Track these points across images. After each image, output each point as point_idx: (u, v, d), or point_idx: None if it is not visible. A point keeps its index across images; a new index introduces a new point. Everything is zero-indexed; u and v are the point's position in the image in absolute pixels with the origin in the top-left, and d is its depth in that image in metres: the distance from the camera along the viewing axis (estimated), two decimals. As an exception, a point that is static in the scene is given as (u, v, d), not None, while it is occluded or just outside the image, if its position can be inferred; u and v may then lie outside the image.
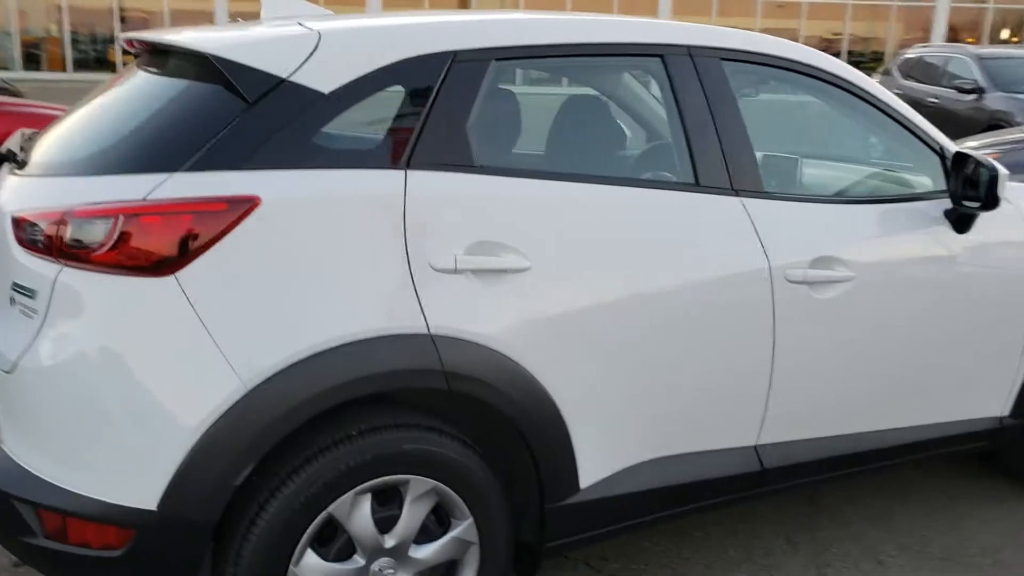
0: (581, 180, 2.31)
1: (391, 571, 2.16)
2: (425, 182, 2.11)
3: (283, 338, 1.94)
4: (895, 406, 2.88)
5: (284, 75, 2.07)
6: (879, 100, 2.81)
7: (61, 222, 1.92)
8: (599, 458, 2.38)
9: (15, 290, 2.05)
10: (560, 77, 2.84)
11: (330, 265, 2.00)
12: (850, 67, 2.81)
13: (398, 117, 2.16)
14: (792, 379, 2.61)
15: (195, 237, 1.90)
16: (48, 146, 2.23)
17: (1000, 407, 3.12)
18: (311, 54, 2.11)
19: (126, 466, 1.92)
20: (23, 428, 2.03)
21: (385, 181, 2.08)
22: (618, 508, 2.44)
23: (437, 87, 2.19)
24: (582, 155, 2.57)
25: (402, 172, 2.10)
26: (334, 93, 2.09)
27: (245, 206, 1.94)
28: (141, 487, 1.91)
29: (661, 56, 2.50)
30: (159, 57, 2.33)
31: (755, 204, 2.52)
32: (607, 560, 2.86)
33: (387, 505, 2.14)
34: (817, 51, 2.78)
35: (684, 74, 2.51)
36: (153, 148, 1.99)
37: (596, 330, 2.29)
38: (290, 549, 2.01)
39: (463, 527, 2.23)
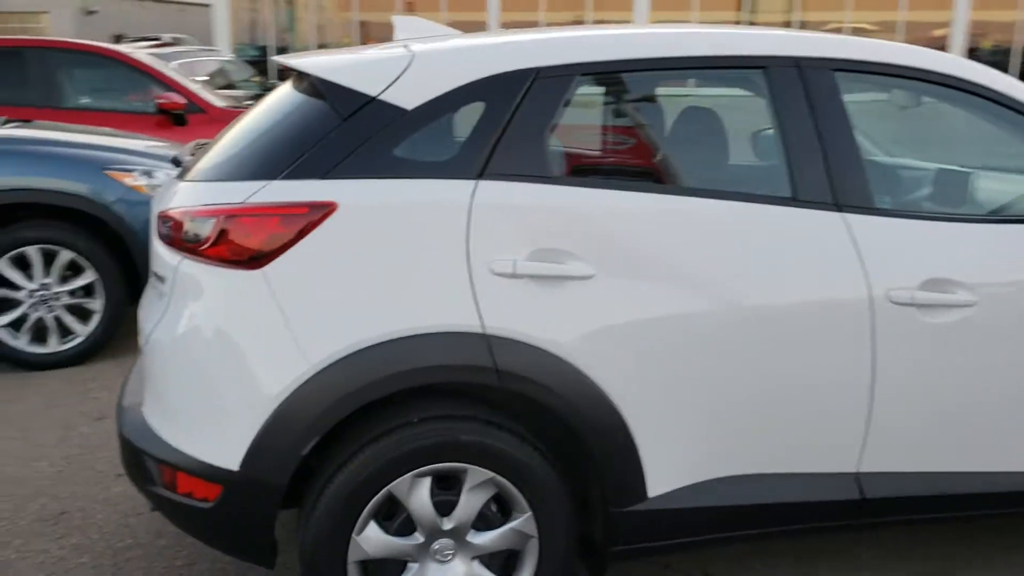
0: (658, 191, 2.35)
1: (451, 552, 2.32)
2: (494, 191, 2.25)
3: (347, 329, 2.16)
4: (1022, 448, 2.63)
5: (374, 94, 2.30)
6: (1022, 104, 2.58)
7: (182, 219, 2.26)
8: (670, 469, 2.40)
9: (154, 276, 2.44)
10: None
11: (395, 265, 2.19)
12: (985, 68, 2.60)
13: (477, 130, 2.31)
14: (898, 405, 2.48)
15: (280, 236, 2.17)
16: (203, 154, 2.60)
17: None
18: (401, 74, 2.32)
19: (218, 430, 2.22)
20: (152, 393, 2.40)
21: (453, 190, 2.24)
22: (692, 520, 2.45)
23: (517, 102, 2.32)
24: (667, 166, 2.59)
25: (473, 182, 2.26)
26: (417, 109, 2.29)
27: (323, 210, 2.18)
28: (228, 449, 2.20)
29: (764, 68, 2.47)
30: (294, 78, 2.64)
31: (860, 220, 2.42)
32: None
33: (448, 490, 2.30)
34: (948, 55, 2.60)
35: (788, 86, 2.46)
36: (263, 158, 2.29)
37: (664, 342, 2.31)
38: (352, 519, 2.23)
39: (522, 520, 2.34)
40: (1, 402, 4.36)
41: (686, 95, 2.76)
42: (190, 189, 2.37)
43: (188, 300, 2.27)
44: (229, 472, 2.21)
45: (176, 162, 2.83)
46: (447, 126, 2.34)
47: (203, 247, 2.22)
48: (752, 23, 27.62)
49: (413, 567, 2.32)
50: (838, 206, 2.43)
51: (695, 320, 2.33)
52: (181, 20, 45.10)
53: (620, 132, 2.67)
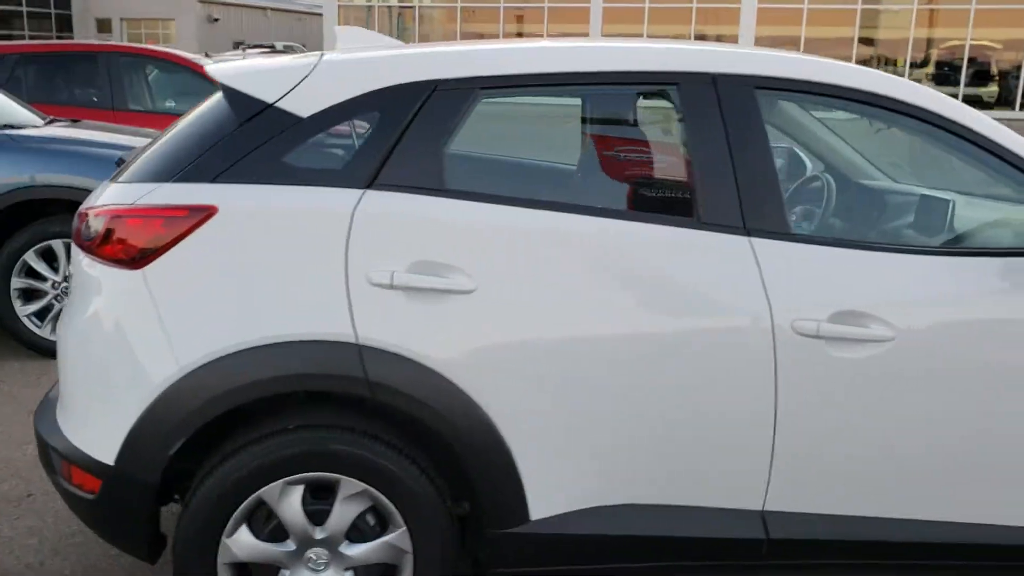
0: (549, 208, 2.29)
1: (324, 562, 2.31)
2: (379, 202, 2.24)
3: (216, 333, 2.19)
4: (949, 495, 2.44)
5: (270, 101, 2.32)
6: (971, 131, 2.42)
7: (85, 218, 2.34)
8: (555, 492, 2.34)
9: (71, 271, 2.52)
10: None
11: (271, 271, 2.20)
12: (932, 93, 2.44)
13: (370, 141, 2.31)
14: (804, 443, 2.35)
15: (161, 238, 2.21)
16: (136, 156, 2.68)
17: None
18: (299, 83, 2.33)
19: (99, 425, 2.28)
20: (60, 387, 2.48)
21: (336, 198, 2.24)
22: (580, 547, 2.37)
23: (413, 114, 2.31)
24: (563, 182, 2.53)
25: (360, 192, 2.25)
26: (311, 118, 2.30)
27: (202, 214, 2.21)
28: (107, 444, 2.26)
29: (677, 84, 2.39)
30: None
31: (769, 246, 2.31)
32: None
33: (322, 500, 2.30)
34: (878, 73, 2.46)
35: (701, 103, 2.37)
36: (165, 161, 2.34)
37: (548, 363, 2.26)
38: (221, 521, 2.25)
39: (396, 534, 2.32)
40: (20, 386, 4.59)
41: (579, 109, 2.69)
42: (106, 190, 2.44)
43: (83, 296, 2.34)
44: (107, 466, 2.26)
45: (120, 163, 2.92)
46: (342, 135, 2.35)
47: (95, 246, 2.28)
48: (871, 40, 26.96)
49: (285, 574, 2.33)
50: (746, 230, 2.32)
51: (581, 342, 2.26)
52: (300, 29, 46.69)
53: (519, 147, 2.62)
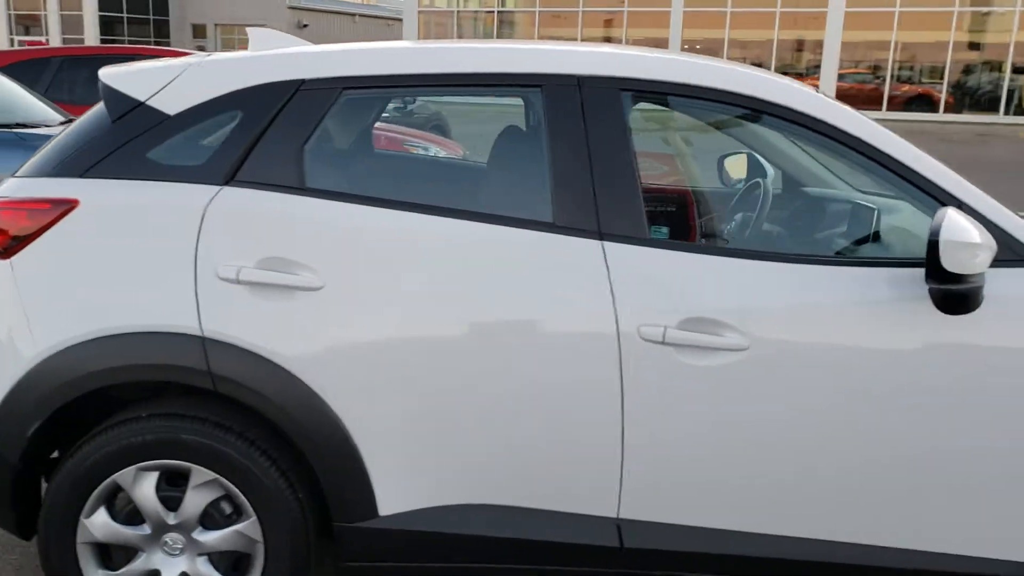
0: (403, 209, 2.31)
1: (179, 547, 2.38)
2: (233, 198, 2.30)
3: (72, 321, 2.28)
4: (812, 512, 2.35)
5: (142, 99, 2.40)
6: (849, 135, 2.34)
7: None
8: (404, 489, 2.36)
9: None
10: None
11: (125, 263, 2.28)
12: (810, 95, 2.37)
13: (231, 138, 2.37)
14: (656, 450, 2.31)
15: (26, 229, 2.32)
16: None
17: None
18: (171, 81, 2.41)
19: (-26, 404, 2.40)
20: None
21: (192, 194, 2.31)
22: (432, 544, 2.38)
23: (276, 113, 2.36)
24: (423, 183, 2.53)
25: (217, 188, 2.32)
26: (178, 115, 2.38)
27: (64, 207, 2.31)
28: None
29: (540, 86, 2.38)
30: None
31: (621, 250, 2.28)
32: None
33: (176, 486, 2.37)
34: (765, 77, 2.40)
35: (564, 106, 2.36)
36: (49, 156, 2.45)
37: (394, 362, 2.28)
38: (79, 502, 2.34)
39: (246, 524, 2.37)
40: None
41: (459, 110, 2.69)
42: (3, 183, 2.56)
43: None
44: None
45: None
46: (206, 133, 2.42)
47: None
48: (972, 43, 26.04)
49: (142, 556, 2.40)
50: (600, 234, 2.30)
51: (428, 343, 2.28)
52: (388, 34, 47.46)
53: (382, 146, 2.64)
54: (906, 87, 26.99)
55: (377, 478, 2.34)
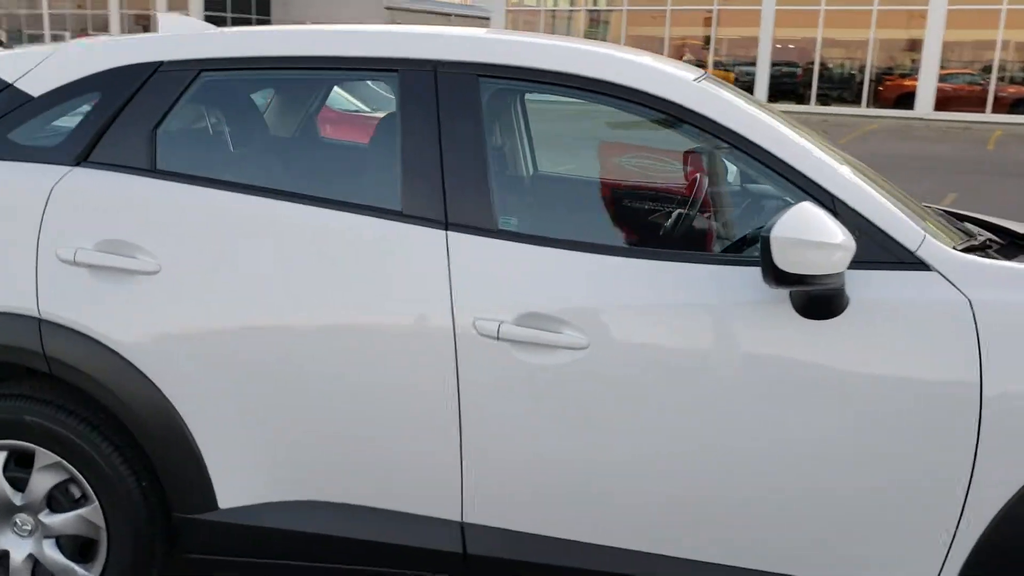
0: (248, 192, 2.26)
1: (28, 528, 2.39)
2: (80, 179, 2.29)
3: None
4: (661, 525, 2.20)
5: (10, 80, 2.42)
6: (711, 122, 2.18)
7: None
8: (245, 483, 2.31)
9: None
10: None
11: None
12: (672, 76, 2.23)
13: (87, 120, 2.36)
14: (498, 451, 2.20)
15: None
16: None
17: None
18: (39, 63, 2.42)
19: None
20: None
21: (40, 174, 2.31)
22: (273, 541, 2.33)
23: (131, 94, 2.34)
24: (274, 168, 2.47)
25: (67, 168, 2.31)
26: (42, 97, 2.39)
27: None
28: None
29: (396, 71, 2.30)
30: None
31: (465, 241, 2.18)
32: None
33: (24, 468, 2.37)
34: (624, 58, 2.25)
35: (418, 91, 2.27)
36: None
37: (231, 350, 2.23)
38: (-69, 480, 2.37)
39: (89, 509, 2.35)
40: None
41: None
42: None
43: None
44: None
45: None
46: (65, 114, 2.41)
47: None
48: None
49: None
50: (446, 224, 2.20)
51: (266, 332, 2.22)
52: (483, 33, 47.47)
53: (236, 130, 2.58)
54: (1012, 88, 25.66)
55: (215, 470, 2.29)
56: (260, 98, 2.51)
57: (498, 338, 2.13)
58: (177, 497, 2.32)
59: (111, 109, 2.35)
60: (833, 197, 2.13)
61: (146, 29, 38.98)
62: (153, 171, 2.30)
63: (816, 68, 26.81)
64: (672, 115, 2.21)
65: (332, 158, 2.56)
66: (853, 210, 2.13)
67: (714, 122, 2.18)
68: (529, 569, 2.26)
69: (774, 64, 27.22)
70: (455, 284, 2.16)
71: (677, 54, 28.18)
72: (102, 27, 39.77)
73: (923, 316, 2.05)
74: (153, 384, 2.25)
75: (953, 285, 2.07)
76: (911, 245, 2.12)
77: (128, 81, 2.36)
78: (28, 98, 2.39)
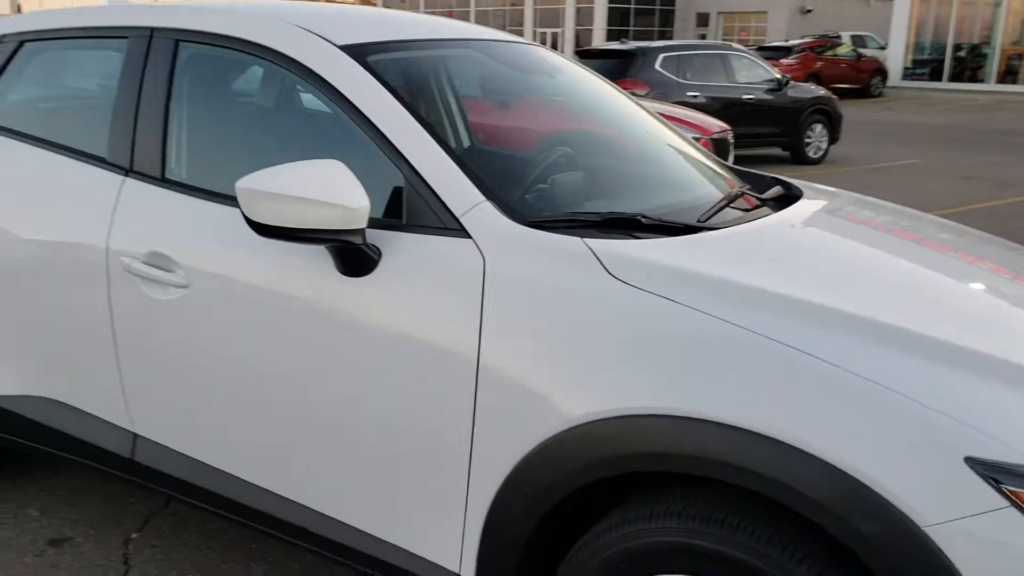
0: (12, 136, 2.79)
1: None
2: None
3: None
4: (282, 466, 2.32)
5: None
6: (315, 75, 2.29)
7: None
8: (9, 375, 2.80)
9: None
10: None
11: None
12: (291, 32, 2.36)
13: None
14: (141, 375, 2.50)
15: None
16: None
17: (453, 560, 2.10)
18: None
19: None
20: None
21: None
22: (24, 427, 2.80)
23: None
24: (60, 123, 2.86)
25: None
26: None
27: None
28: None
29: (125, 38, 2.66)
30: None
31: (133, 186, 2.50)
32: (164, 510, 3.07)
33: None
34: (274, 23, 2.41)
35: (134, 56, 2.61)
36: None
37: None
38: None
39: None
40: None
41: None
42: None
43: None
44: None
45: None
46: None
47: None
48: None
49: None
50: (128, 171, 2.53)
51: (6, 241, 2.72)
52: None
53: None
54: None
55: None
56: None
57: (130, 273, 2.43)
58: None
59: None
60: (404, 159, 2.12)
61: (558, 22, 41.54)
62: None
63: None
64: (282, 66, 2.36)
65: (95, 114, 2.93)
66: (418, 173, 2.10)
67: (320, 77, 2.28)
68: (183, 486, 2.52)
69: None
70: (115, 224, 2.48)
71: None
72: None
73: (438, 282, 1.99)
74: None
75: (481, 253, 1.98)
76: (457, 211, 2.05)
77: None
78: None
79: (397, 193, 2.14)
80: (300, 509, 2.31)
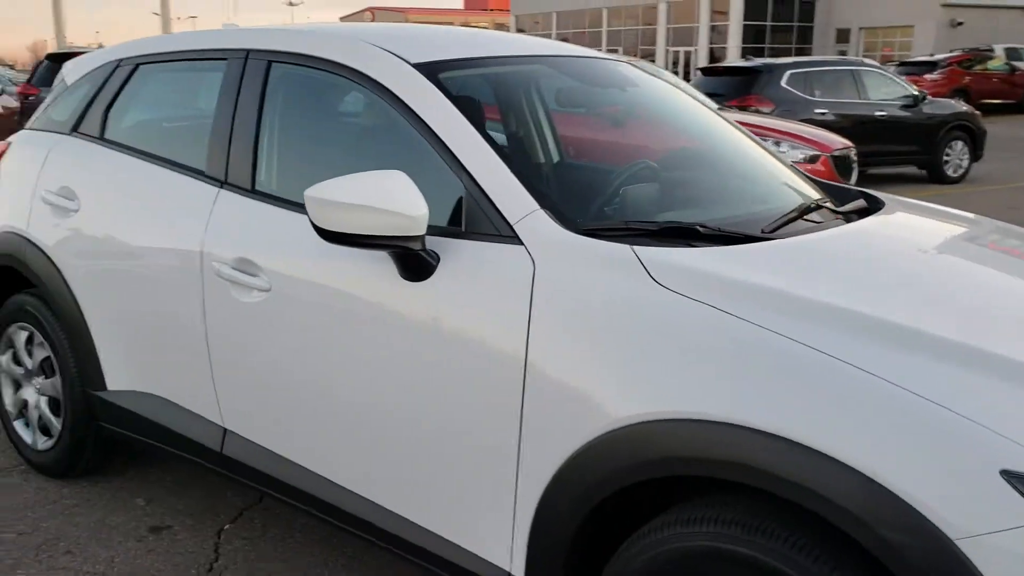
0: (127, 152, 3.03)
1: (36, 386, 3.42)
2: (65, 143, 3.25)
3: None
4: (350, 462, 2.42)
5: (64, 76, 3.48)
6: (386, 91, 2.43)
7: None
8: (121, 371, 3.05)
9: None
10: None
11: None
12: (363, 49, 2.51)
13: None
14: (232, 373, 2.66)
15: None
16: None
17: (504, 558, 2.15)
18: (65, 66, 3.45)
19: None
20: None
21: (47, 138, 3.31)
22: (134, 421, 3.03)
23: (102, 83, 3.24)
24: (172, 141, 3.07)
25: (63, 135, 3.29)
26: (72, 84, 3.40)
27: None
28: None
29: (224, 59, 2.85)
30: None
31: (227, 197, 2.68)
32: (257, 504, 3.24)
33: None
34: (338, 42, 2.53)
35: (231, 76, 2.80)
36: None
37: (107, 265, 3.00)
38: (-8, 344, 3.53)
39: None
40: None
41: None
42: None
43: None
44: None
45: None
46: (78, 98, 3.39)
47: None
48: None
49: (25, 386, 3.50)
50: (223, 183, 2.71)
51: (120, 257, 2.98)
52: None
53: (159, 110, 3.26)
54: None
55: (105, 359, 3.08)
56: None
57: (220, 277, 2.60)
58: (85, 375, 3.15)
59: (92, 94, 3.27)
60: (467, 172, 2.21)
61: (693, 41, 41.05)
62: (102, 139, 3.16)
63: None
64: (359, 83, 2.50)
65: (196, 131, 3.13)
66: (478, 185, 2.19)
67: (388, 91, 2.41)
68: (267, 480, 2.65)
69: None
70: (208, 231, 2.67)
71: None
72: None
73: (490, 287, 2.07)
74: (66, 281, 3.12)
75: (531, 259, 2.04)
76: (512, 219, 2.11)
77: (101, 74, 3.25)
78: (65, 86, 3.42)
79: (459, 203, 2.22)
80: (371, 506, 2.40)
